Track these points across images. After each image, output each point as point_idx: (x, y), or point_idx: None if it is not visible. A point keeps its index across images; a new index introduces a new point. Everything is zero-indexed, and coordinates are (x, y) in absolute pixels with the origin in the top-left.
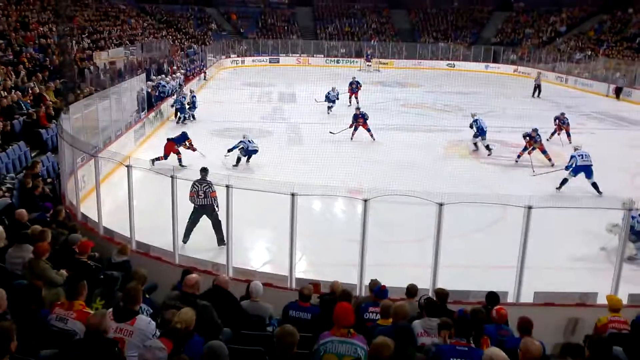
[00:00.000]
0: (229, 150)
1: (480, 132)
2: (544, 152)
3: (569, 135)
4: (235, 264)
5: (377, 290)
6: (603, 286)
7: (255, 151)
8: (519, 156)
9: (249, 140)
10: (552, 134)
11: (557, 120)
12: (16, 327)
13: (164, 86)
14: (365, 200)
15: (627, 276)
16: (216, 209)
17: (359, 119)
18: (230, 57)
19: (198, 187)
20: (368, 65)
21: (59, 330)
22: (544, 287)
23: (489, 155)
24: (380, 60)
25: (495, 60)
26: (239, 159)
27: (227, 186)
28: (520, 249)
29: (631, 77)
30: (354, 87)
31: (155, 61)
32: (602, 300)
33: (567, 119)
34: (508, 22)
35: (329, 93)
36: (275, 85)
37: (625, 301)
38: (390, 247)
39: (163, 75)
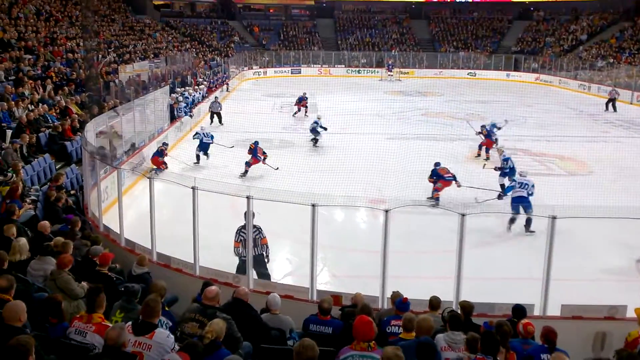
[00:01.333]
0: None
1: (510, 172)
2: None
3: (487, 151)
4: (256, 275)
5: (399, 302)
6: (633, 299)
7: (209, 144)
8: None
9: (204, 134)
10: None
11: (483, 129)
12: (35, 341)
13: (187, 98)
14: (387, 211)
15: None
16: (266, 260)
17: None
18: (252, 68)
19: (242, 234)
20: (390, 75)
21: (78, 344)
22: (571, 299)
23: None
24: (401, 69)
25: (516, 69)
26: (198, 156)
27: (248, 197)
28: (545, 260)
29: None
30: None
31: (179, 74)
32: (631, 313)
33: (495, 133)
34: (528, 30)
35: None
36: (296, 95)
37: None
38: (412, 258)
39: (187, 87)
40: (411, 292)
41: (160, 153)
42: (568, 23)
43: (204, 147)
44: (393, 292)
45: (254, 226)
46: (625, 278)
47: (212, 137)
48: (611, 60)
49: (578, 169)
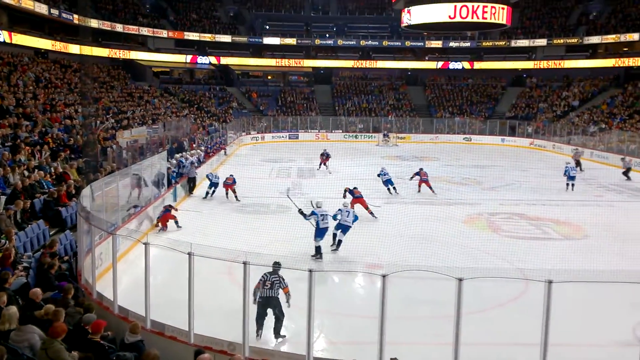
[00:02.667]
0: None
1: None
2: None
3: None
4: (251, 343)
5: None
6: None
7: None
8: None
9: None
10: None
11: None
12: None
13: (183, 162)
14: (384, 276)
15: None
16: (288, 302)
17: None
18: (250, 133)
19: (267, 277)
20: (386, 141)
21: None
22: None
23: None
24: (398, 134)
25: (511, 134)
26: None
27: (244, 263)
28: (542, 326)
29: None
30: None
31: (176, 139)
32: None
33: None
34: (522, 97)
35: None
36: (294, 160)
37: None
38: (410, 324)
39: (184, 153)
40: (409, 359)
41: (168, 212)
42: (560, 89)
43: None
44: (391, 358)
45: (277, 276)
46: (625, 342)
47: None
48: (603, 126)
49: (573, 233)
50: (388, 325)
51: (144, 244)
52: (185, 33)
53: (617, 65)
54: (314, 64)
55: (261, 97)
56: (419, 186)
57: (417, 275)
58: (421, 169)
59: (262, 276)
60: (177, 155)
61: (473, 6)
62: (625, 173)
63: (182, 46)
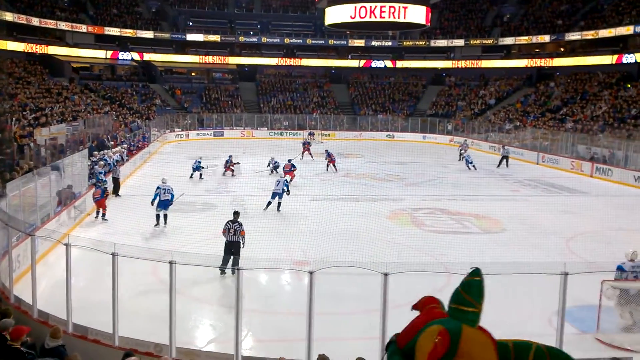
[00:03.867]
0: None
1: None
2: None
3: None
4: (178, 343)
5: None
6: None
7: (168, 201)
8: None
9: (164, 189)
10: None
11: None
12: None
13: (107, 160)
14: (311, 273)
15: (570, 341)
16: (241, 247)
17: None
18: (174, 131)
19: (230, 226)
20: (311, 138)
21: None
22: None
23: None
24: (323, 132)
25: (431, 131)
26: (158, 216)
27: (171, 262)
28: None
29: (557, 145)
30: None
31: (97, 137)
32: None
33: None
34: (441, 95)
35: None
36: (220, 158)
37: None
38: (338, 319)
39: (106, 151)
40: (337, 354)
41: (103, 193)
42: (477, 88)
43: (164, 205)
44: (319, 354)
45: (237, 222)
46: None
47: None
48: (517, 124)
49: (492, 226)
50: (316, 321)
51: (64, 244)
52: (106, 28)
53: (529, 65)
54: (239, 61)
55: (185, 94)
56: (327, 166)
57: (344, 271)
58: (326, 150)
59: (226, 224)
60: (100, 153)
61: (391, 6)
62: (502, 160)
63: (102, 41)
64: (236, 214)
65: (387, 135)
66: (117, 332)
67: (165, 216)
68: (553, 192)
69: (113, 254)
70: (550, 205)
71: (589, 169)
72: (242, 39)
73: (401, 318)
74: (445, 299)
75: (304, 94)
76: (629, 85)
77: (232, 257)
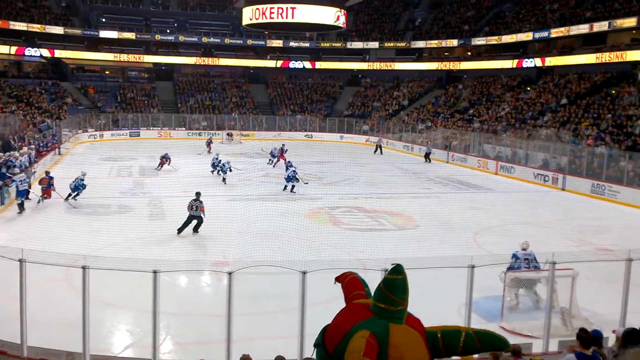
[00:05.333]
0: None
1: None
2: None
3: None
4: (93, 351)
5: None
6: None
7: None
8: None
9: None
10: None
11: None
12: None
13: (12, 162)
14: (230, 273)
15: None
16: (203, 217)
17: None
18: (87, 131)
19: (193, 203)
20: (230, 138)
21: None
22: None
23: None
24: (242, 132)
25: (348, 131)
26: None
27: (84, 267)
28: None
29: (465, 144)
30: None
31: (2, 137)
32: None
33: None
34: (358, 96)
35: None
36: (135, 159)
37: None
38: (257, 319)
39: (12, 152)
40: (258, 354)
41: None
42: (391, 89)
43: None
44: (242, 355)
45: (198, 200)
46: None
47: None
48: (429, 124)
49: (406, 223)
50: (236, 322)
51: None
52: (11, 22)
53: (439, 68)
54: (155, 60)
55: (98, 93)
56: (278, 160)
57: (263, 271)
58: (283, 144)
59: (190, 203)
60: (5, 155)
61: (305, 8)
62: (426, 156)
63: (6, 36)
64: (198, 194)
65: (305, 135)
66: (25, 342)
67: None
68: (462, 189)
69: (20, 261)
70: (459, 202)
71: (494, 167)
72: (158, 37)
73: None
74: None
75: (222, 93)
76: (528, 88)
77: (190, 224)
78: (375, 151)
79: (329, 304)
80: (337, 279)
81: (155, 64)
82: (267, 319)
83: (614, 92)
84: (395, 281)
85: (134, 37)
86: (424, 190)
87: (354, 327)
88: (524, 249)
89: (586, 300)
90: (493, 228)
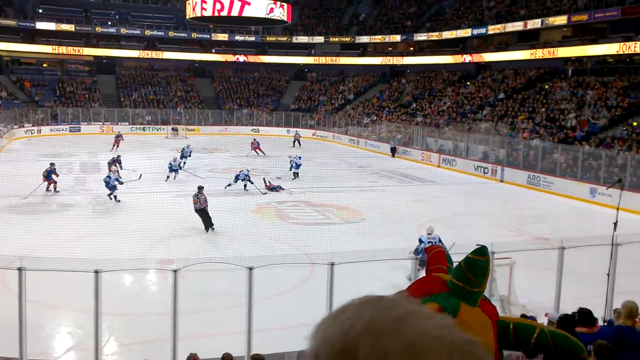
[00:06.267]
0: None
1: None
2: None
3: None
4: (31, 355)
5: None
6: None
7: None
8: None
9: None
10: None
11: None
12: None
13: None
14: (175, 271)
15: None
16: (207, 208)
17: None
18: (24, 126)
19: (196, 197)
20: (175, 133)
21: None
22: None
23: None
24: (187, 126)
25: (295, 125)
26: None
27: (20, 269)
28: (327, 304)
29: (409, 138)
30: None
31: None
32: None
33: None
34: (304, 90)
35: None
36: (76, 155)
37: None
38: (205, 316)
39: None
40: (205, 352)
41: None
42: (337, 84)
43: None
44: (190, 353)
45: (202, 193)
46: None
47: None
48: (374, 118)
49: (352, 216)
50: (183, 320)
51: None
52: None
53: (384, 63)
54: (96, 53)
55: (36, 87)
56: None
57: (210, 268)
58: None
59: (193, 197)
60: None
61: (246, 2)
62: (392, 151)
63: None
64: (200, 188)
65: (252, 130)
66: None
67: None
68: (406, 182)
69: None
70: (404, 194)
71: (437, 160)
72: (99, 29)
73: (268, 311)
74: (309, 288)
75: (167, 87)
76: (468, 83)
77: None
78: (293, 144)
79: (276, 298)
80: (426, 249)
81: (96, 57)
82: (215, 316)
83: (547, 87)
84: (479, 262)
85: (73, 29)
86: (369, 183)
87: (424, 298)
88: (429, 234)
89: (524, 288)
90: (437, 220)
